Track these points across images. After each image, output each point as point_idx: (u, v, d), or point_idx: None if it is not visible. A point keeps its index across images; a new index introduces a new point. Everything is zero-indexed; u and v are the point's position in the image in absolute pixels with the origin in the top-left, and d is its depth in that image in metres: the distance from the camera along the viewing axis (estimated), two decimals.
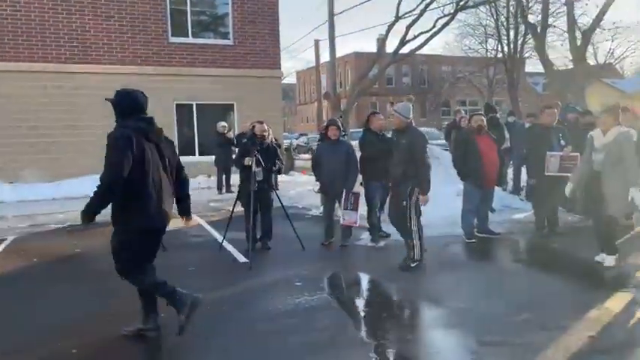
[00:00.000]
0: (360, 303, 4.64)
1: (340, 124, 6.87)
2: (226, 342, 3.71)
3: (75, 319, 4.24)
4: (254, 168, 6.18)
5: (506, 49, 28.20)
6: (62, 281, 5.43)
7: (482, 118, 6.88)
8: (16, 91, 12.64)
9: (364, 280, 5.34)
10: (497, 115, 9.17)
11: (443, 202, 7.73)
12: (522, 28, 25.48)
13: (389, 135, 6.79)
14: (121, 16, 13.64)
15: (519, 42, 27.28)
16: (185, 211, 3.93)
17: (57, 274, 5.76)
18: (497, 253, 6.23)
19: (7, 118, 12.58)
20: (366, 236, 6.96)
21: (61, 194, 11.84)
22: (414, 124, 5.42)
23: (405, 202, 5.29)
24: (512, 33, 27.67)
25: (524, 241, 6.79)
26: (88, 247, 6.92)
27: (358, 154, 7.09)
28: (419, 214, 5.37)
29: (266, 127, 6.64)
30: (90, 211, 3.40)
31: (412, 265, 5.32)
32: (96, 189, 3.40)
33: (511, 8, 25.70)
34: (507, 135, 8.73)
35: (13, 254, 6.66)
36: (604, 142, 5.04)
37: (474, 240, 6.54)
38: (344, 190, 6.37)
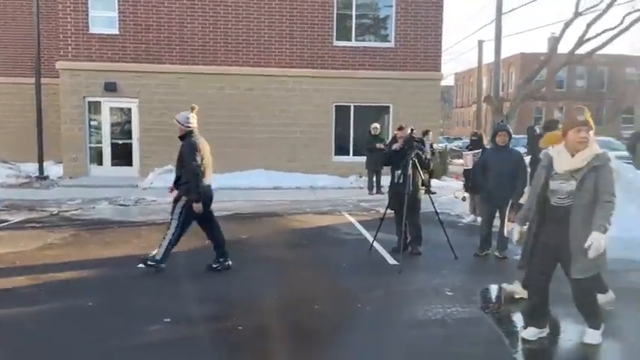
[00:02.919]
0: (517, 322, 4.32)
1: (510, 131, 6.45)
2: (373, 342, 3.76)
3: (236, 301, 4.68)
4: (409, 171, 6.18)
5: None
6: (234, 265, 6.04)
7: None
8: (202, 91, 14.38)
9: (522, 298, 4.95)
10: None
11: (621, 222, 6.82)
12: None
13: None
14: (292, 22, 14.63)
15: None
16: None
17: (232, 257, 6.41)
18: None
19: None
20: None
21: (229, 184, 13.16)
22: (195, 132, 5.45)
23: (174, 205, 5.49)
24: None
25: None
26: (252, 235, 7.60)
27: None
28: (184, 222, 5.43)
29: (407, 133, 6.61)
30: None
31: (149, 262, 5.42)
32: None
33: None
34: None
35: (192, 237, 7.58)
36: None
37: None
38: (510, 201, 6.07)
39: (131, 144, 14.56)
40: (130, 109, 14.53)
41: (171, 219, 5.47)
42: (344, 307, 4.59)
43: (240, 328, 4.00)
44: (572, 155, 3.50)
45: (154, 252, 5.52)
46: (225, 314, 4.29)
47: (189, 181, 5.24)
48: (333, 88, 14.82)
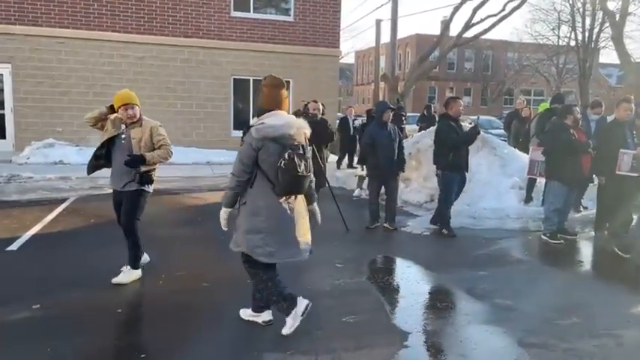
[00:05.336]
0: (399, 290, 4.56)
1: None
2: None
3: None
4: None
5: (580, 37, 26.52)
6: (113, 243, 5.68)
7: (578, 110, 6.24)
8: (86, 58, 13.23)
9: (405, 267, 5.25)
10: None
11: (495, 194, 7.47)
12: (600, 15, 23.84)
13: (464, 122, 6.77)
14: None
15: (595, 30, 25.57)
16: None
17: (110, 235, 6.03)
18: (550, 253, 5.93)
19: (79, 84, 13.21)
20: (412, 223, 6.85)
21: None
22: None
23: None
24: (588, 20, 25.96)
25: (581, 243, 6.43)
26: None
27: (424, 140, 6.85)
28: None
29: (320, 107, 6.63)
30: None
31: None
32: None
33: None
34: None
35: (73, 213, 7.05)
36: None
37: (561, 241, 6.06)
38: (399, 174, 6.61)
39: (4, 115, 13.05)
40: (1, 75, 12.97)
41: None
42: (233, 283, 4.53)
43: (119, 311, 3.78)
44: None
45: None
46: (104, 298, 4.03)
47: None
48: (232, 60, 14.40)
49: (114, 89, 13.45)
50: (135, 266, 4.42)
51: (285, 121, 3.27)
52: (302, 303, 3.39)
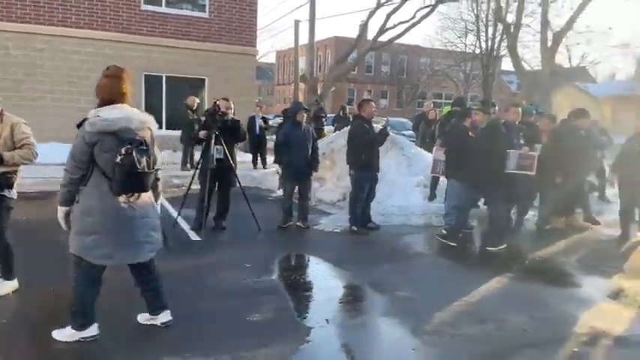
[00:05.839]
0: (305, 287, 4.64)
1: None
2: None
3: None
4: (213, 146, 6.10)
5: (484, 45, 28.42)
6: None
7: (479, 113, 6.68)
8: None
9: (314, 264, 5.34)
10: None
11: (401, 192, 7.81)
12: (500, 25, 25.71)
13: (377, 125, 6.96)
14: None
15: (497, 39, 27.53)
16: None
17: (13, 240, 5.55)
18: (448, 247, 6.29)
19: None
20: (324, 221, 6.98)
21: None
22: None
23: None
24: (490, 30, 27.90)
25: (476, 237, 6.90)
26: (33, 216, 6.71)
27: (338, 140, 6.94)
28: None
29: (231, 105, 6.52)
30: None
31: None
32: None
33: (491, 4, 25.89)
34: None
35: None
36: None
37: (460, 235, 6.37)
38: (312, 173, 6.70)
39: None
40: None
41: None
42: (131, 289, 4.34)
43: (4, 321, 3.51)
44: None
45: None
46: None
47: None
48: (142, 55, 13.81)
49: (9, 83, 12.50)
50: (9, 277, 4.01)
51: (125, 114, 3.09)
52: (90, 332, 3.27)
